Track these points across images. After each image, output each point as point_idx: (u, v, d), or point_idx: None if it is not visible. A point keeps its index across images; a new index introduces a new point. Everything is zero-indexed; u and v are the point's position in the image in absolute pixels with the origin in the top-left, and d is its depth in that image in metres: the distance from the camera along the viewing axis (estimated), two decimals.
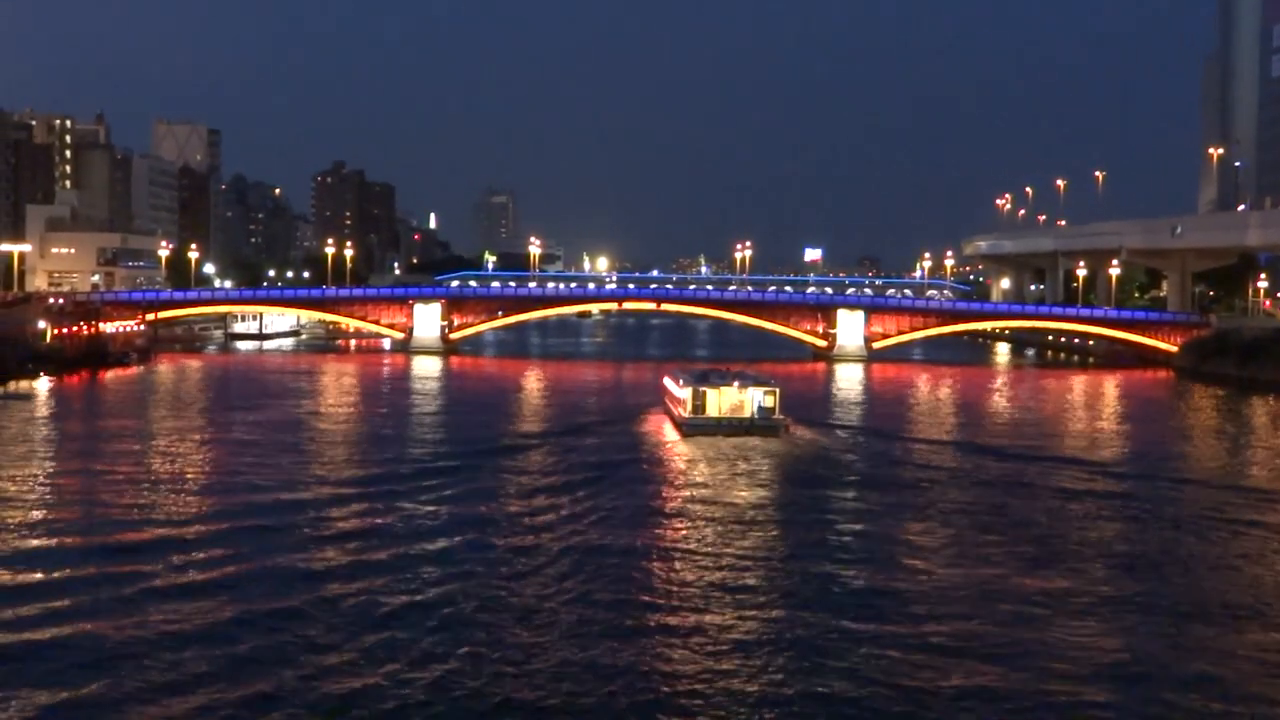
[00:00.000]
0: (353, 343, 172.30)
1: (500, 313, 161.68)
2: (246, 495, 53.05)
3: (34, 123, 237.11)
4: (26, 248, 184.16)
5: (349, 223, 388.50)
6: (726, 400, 73.47)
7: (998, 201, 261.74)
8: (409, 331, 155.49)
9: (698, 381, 75.24)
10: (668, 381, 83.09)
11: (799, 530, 48.54)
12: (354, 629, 34.07)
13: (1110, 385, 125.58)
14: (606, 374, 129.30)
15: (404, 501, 52.24)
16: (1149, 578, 41.93)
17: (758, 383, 75.14)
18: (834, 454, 70.10)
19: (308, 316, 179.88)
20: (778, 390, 74.41)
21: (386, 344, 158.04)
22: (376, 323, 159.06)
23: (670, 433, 75.75)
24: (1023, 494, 57.44)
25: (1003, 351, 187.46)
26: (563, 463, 64.47)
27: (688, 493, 56.46)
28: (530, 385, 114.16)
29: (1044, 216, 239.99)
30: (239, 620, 34.52)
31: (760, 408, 73.30)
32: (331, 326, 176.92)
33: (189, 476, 58.34)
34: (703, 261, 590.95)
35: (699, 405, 73.48)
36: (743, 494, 56.10)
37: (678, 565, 42.44)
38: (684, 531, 47.94)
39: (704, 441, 70.55)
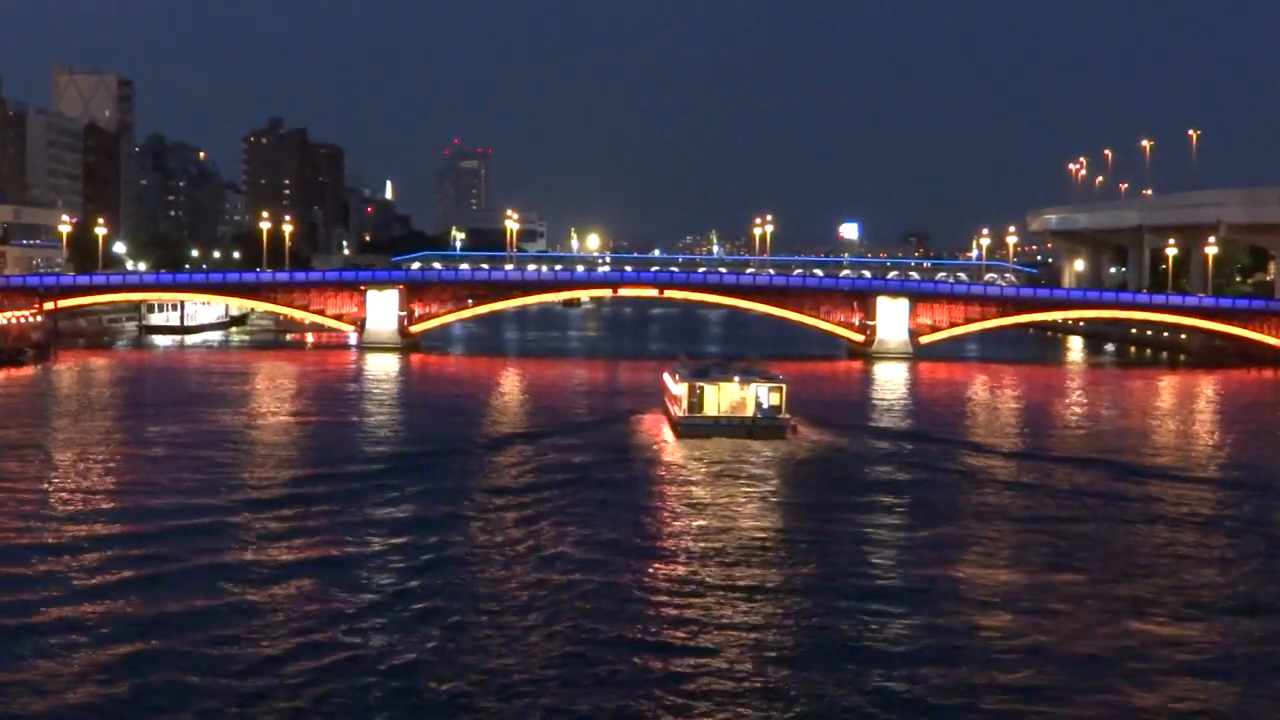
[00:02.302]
0: (309, 337, 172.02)
1: (471, 301, 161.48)
2: (146, 521, 53.30)
3: None
4: None
5: (288, 192, 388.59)
6: (726, 397, 77.43)
7: (1071, 167, 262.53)
8: (360, 324, 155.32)
9: (694, 376, 79.19)
10: (666, 377, 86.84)
11: (785, 554, 49.56)
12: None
13: (1207, 388, 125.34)
14: (598, 374, 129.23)
15: (332, 533, 51.93)
16: (1269, 626, 41.43)
17: (762, 378, 78.84)
18: (845, 460, 72.81)
19: (239, 305, 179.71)
20: (784, 386, 78.27)
21: (352, 339, 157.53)
22: (321, 313, 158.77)
23: (666, 434, 79.25)
24: (1097, 523, 56.94)
25: (1076, 348, 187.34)
26: (536, 470, 67.38)
27: (667, 506, 58.62)
28: (506, 387, 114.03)
29: (1126, 185, 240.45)
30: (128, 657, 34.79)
31: (763, 406, 76.99)
32: (282, 319, 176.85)
33: (89, 496, 58.29)
34: (715, 239, 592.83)
35: (695, 403, 77.49)
36: (729, 509, 57.72)
37: (631, 587, 43.66)
38: (644, 553, 49.24)
39: (699, 444, 74.21)
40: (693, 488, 63.18)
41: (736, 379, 78.53)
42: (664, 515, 56.90)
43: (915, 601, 43.01)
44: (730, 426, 76.39)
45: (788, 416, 77.76)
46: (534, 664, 35.96)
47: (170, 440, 76.26)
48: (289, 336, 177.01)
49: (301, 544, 49.79)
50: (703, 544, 50.84)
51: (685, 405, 77.68)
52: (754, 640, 38.38)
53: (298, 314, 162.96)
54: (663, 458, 72.57)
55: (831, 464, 71.46)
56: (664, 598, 42.91)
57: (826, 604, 42.49)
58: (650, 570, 46.53)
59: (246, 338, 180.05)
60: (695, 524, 54.77)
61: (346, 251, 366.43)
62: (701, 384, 78.29)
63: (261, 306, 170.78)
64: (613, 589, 43.82)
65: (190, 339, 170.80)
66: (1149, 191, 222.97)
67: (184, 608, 40.39)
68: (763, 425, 76.49)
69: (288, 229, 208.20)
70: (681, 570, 46.80)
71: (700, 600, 42.57)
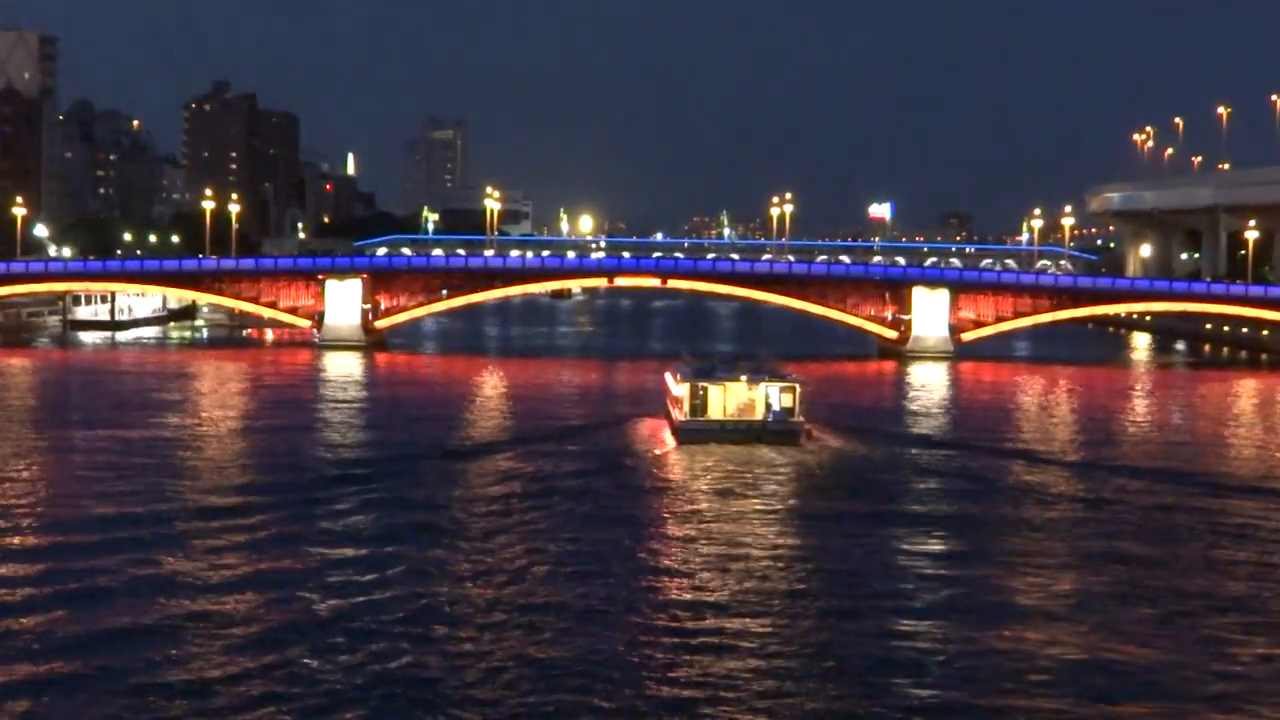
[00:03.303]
0: (269, 334, 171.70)
1: (445, 292, 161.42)
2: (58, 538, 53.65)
3: None
4: None
5: (235, 167, 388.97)
6: (732, 398, 79.60)
7: (1136, 138, 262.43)
8: (318, 318, 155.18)
9: (698, 376, 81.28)
10: (667, 376, 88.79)
11: (795, 581, 49.59)
12: None
13: None
14: (592, 376, 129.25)
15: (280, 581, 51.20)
16: None
17: (773, 377, 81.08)
18: (868, 470, 74.23)
19: (179, 296, 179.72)
20: (797, 386, 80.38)
21: (317, 336, 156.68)
22: (273, 305, 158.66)
23: (666, 440, 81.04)
24: (1167, 547, 56.63)
25: (1142, 346, 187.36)
26: (514, 482, 68.39)
27: (661, 522, 59.56)
28: (485, 392, 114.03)
29: (1200, 159, 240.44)
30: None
31: (774, 408, 79.06)
32: (237, 313, 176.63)
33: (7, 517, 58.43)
34: (725, 222, 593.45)
35: (698, 405, 79.48)
36: (732, 525, 58.60)
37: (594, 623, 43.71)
38: (630, 577, 49.69)
39: (701, 451, 75.98)
40: (692, 501, 63.87)
41: (744, 378, 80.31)
42: (656, 533, 57.37)
43: (948, 640, 42.87)
44: (737, 431, 78.34)
45: (802, 420, 79.57)
46: (506, 701, 36.28)
47: (86, 455, 76.29)
48: (246, 333, 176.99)
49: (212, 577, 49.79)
50: (699, 566, 51.18)
51: (687, 408, 79.38)
52: (760, 684, 38.30)
53: (246, 306, 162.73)
54: (659, 467, 73.62)
55: (852, 474, 72.59)
56: (653, 629, 42.98)
57: (844, 640, 42.39)
58: (638, 599, 46.70)
59: (189, 334, 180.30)
60: (691, 543, 55.17)
61: (302, 235, 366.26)
62: (705, 384, 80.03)
63: (205, 298, 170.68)
64: (592, 616, 44.19)
65: (122, 335, 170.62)
66: (1226, 166, 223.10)
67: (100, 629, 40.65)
68: (774, 430, 78.37)
69: (234, 209, 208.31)
70: (674, 597, 47.00)
71: (696, 631, 42.68)
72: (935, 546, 56.23)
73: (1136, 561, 53.44)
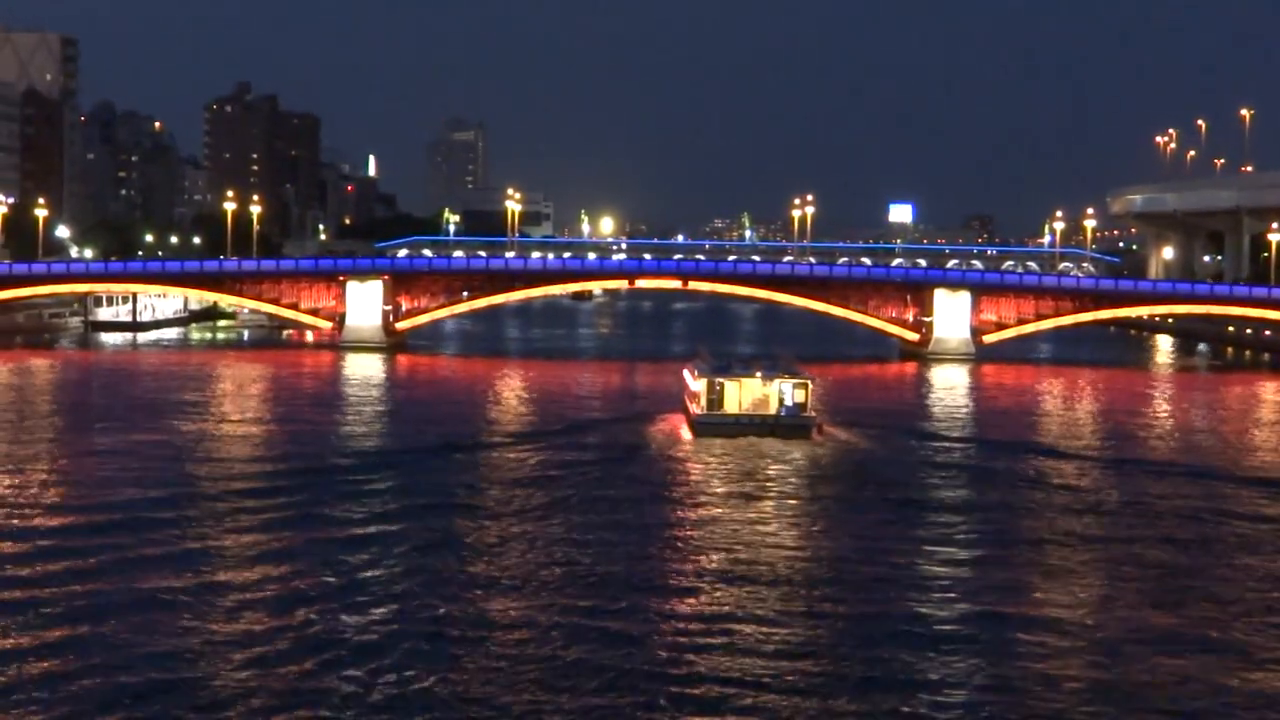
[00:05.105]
0: (309, 335, 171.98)
1: (466, 293, 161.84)
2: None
3: None
4: None
5: (256, 169, 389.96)
6: (748, 394, 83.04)
7: (1158, 140, 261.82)
8: (339, 319, 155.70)
9: (714, 372, 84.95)
10: (685, 373, 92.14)
11: (798, 572, 50.84)
12: None
13: None
14: (612, 377, 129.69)
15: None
16: None
17: (787, 374, 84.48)
18: (877, 464, 76.85)
19: (200, 297, 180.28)
20: (809, 383, 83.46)
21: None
22: (294, 307, 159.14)
23: (683, 433, 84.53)
24: (1192, 552, 56.46)
25: (1165, 348, 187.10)
26: (535, 469, 72.09)
27: (674, 511, 62.05)
28: (505, 393, 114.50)
29: (1222, 161, 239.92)
30: None
31: (787, 404, 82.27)
32: (276, 316, 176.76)
33: (16, 517, 58.99)
34: (747, 223, 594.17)
35: (715, 400, 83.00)
36: (742, 515, 61.03)
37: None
38: (642, 564, 51.23)
39: (718, 444, 79.13)
40: (705, 488, 66.86)
41: (759, 374, 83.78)
42: (669, 516, 60.04)
43: (957, 637, 43.34)
44: (752, 425, 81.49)
45: (813, 414, 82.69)
46: (519, 679, 37.57)
47: (109, 450, 77.05)
48: (286, 334, 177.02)
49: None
50: (708, 546, 53.85)
51: (704, 402, 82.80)
52: (768, 678, 38.81)
53: (267, 308, 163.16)
54: (676, 457, 76.79)
55: (858, 466, 75.02)
56: (661, 602, 44.70)
57: (850, 638, 42.97)
58: (649, 576, 48.77)
59: (220, 335, 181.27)
60: (701, 526, 57.84)
61: (323, 236, 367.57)
62: (722, 380, 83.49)
63: (226, 299, 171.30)
64: (604, 590, 46.34)
65: (144, 336, 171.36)
66: (1249, 168, 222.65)
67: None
68: (786, 424, 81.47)
69: (255, 210, 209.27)
70: (683, 574, 49.17)
71: (704, 603, 44.56)
72: (926, 533, 57.97)
73: (1152, 564, 53.69)
